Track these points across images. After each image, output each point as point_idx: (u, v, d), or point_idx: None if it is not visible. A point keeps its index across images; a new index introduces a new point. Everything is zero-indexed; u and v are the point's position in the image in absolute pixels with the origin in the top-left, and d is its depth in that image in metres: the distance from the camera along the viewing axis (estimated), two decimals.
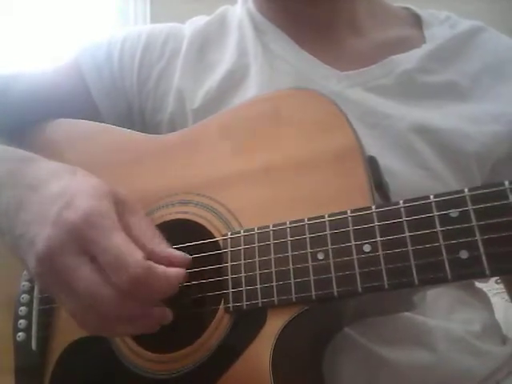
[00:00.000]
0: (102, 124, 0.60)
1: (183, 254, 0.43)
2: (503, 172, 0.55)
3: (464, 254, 0.35)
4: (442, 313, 0.53)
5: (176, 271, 0.40)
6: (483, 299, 0.59)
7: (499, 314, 0.62)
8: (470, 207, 0.35)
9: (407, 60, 0.58)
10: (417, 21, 0.64)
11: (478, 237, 0.34)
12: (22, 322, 0.53)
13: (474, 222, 0.35)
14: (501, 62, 0.59)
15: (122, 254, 0.38)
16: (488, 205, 0.35)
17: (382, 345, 0.49)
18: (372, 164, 0.43)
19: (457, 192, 0.36)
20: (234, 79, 0.59)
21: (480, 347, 0.52)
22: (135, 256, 0.38)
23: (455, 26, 0.61)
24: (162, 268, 0.39)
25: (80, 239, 0.39)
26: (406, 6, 0.67)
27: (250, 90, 0.57)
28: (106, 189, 0.42)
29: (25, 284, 0.54)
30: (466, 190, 0.36)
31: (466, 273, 0.35)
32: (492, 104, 0.56)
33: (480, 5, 1.98)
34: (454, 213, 0.36)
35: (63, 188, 0.42)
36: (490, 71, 0.58)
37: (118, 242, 0.39)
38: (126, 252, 0.38)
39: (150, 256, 0.40)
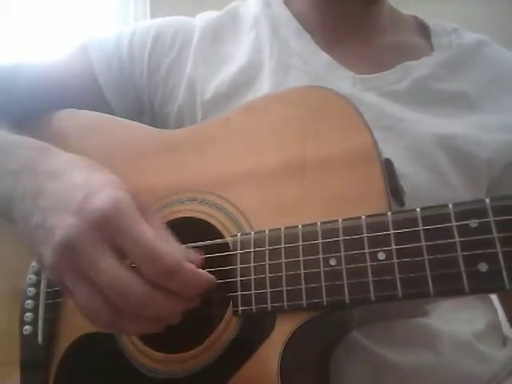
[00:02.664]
0: (109, 116, 0.59)
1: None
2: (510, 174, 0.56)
3: (483, 267, 0.33)
4: (446, 314, 0.52)
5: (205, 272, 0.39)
6: (485, 300, 0.59)
7: (499, 314, 0.61)
8: (491, 218, 0.34)
9: (420, 67, 0.58)
10: (424, 30, 0.64)
11: (498, 249, 0.33)
12: (29, 316, 0.53)
13: (495, 234, 0.34)
14: (505, 76, 0.60)
15: (154, 245, 0.36)
16: (510, 217, 0.33)
17: (388, 347, 0.49)
18: (388, 167, 0.42)
19: (477, 202, 0.35)
20: (247, 76, 0.59)
21: (484, 352, 0.52)
22: (166, 248, 0.37)
23: (462, 37, 0.62)
24: (191, 264, 0.38)
25: (106, 228, 0.37)
26: (413, 15, 0.67)
27: (263, 88, 0.57)
28: (125, 185, 0.41)
29: (31, 277, 0.54)
30: (487, 200, 0.35)
31: (485, 287, 0.34)
32: (499, 114, 0.57)
33: (478, 8, 1.99)
34: (473, 223, 0.34)
35: (86, 178, 0.40)
36: (496, 84, 0.59)
37: (149, 232, 0.37)
38: (158, 243, 0.36)
39: None
